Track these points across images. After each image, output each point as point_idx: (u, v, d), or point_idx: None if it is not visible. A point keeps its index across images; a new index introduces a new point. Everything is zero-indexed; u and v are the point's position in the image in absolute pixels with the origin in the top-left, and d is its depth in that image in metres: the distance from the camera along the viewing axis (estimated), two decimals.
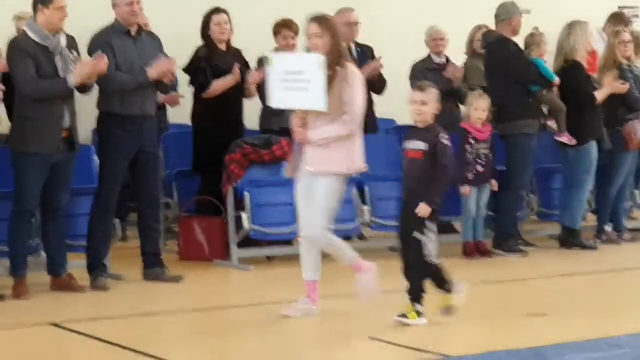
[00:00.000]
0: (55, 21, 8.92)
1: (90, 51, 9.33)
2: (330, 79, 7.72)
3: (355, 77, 7.96)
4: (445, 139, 7.77)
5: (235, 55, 10.86)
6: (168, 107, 11.77)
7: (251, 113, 11.23)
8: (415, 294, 7.76)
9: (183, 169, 11.28)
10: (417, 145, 7.75)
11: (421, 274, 7.80)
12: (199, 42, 10.90)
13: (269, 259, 10.72)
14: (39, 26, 8.92)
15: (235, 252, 10.43)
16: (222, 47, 10.80)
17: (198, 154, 10.95)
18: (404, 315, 7.69)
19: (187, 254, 10.72)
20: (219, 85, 10.64)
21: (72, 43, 9.14)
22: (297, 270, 10.05)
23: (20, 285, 9.06)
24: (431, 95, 7.77)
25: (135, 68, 9.43)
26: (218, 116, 10.71)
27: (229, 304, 8.09)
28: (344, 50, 8.14)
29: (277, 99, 8.11)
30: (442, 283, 7.87)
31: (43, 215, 9.20)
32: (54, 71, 8.87)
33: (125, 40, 9.49)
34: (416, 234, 7.70)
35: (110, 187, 9.49)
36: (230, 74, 10.66)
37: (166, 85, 9.97)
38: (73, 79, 8.77)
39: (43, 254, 9.40)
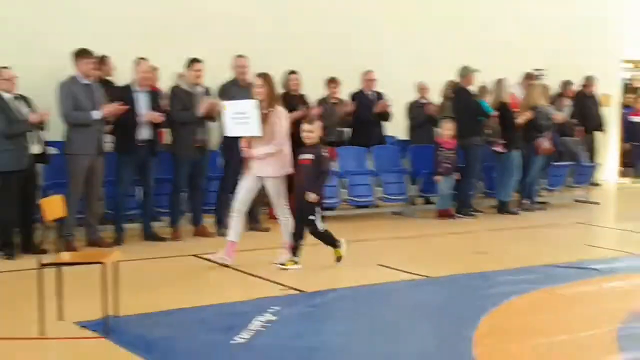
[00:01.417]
0: (192, 78, 8.95)
1: (220, 95, 9.32)
2: (266, 117, 7.41)
3: (282, 115, 7.55)
4: (325, 153, 7.51)
5: (301, 98, 10.75)
6: None
7: None
8: (329, 241, 7.63)
9: None
10: (306, 156, 7.42)
11: (323, 238, 7.62)
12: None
13: (321, 217, 10.65)
14: (188, 80, 8.95)
15: None
16: (294, 93, 10.64)
17: None
18: (339, 259, 7.61)
19: (273, 215, 10.65)
20: (293, 116, 10.50)
21: (207, 91, 9.12)
22: (340, 225, 10.04)
23: (176, 232, 9.09)
24: (315, 126, 7.47)
25: None
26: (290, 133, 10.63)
27: None
28: (278, 96, 7.75)
29: (231, 131, 7.72)
30: (332, 242, 7.64)
31: (190, 191, 9.21)
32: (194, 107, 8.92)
33: (238, 89, 9.34)
34: (310, 217, 7.43)
35: (231, 174, 9.37)
36: (299, 110, 10.56)
37: None
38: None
39: (188, 213, 9.42)
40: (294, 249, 7.50)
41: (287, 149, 7.58)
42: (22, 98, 8.17)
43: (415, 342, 5.26)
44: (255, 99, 7.49)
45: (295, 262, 7.44)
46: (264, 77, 7.56)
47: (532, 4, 14.52)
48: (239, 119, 7.51)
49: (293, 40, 11.89)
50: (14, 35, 10.00)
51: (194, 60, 9.01)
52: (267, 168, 7.48)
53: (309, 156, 7.41)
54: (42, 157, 8.22)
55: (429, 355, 4.93)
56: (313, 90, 10.97)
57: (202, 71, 8.99)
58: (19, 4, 10.30)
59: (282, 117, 7.53)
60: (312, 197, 7.36)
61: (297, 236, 7.51)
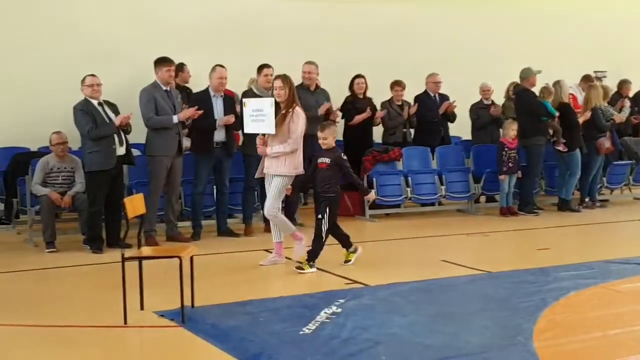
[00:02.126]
0: (263, 83, 9.00)
1: None
2: (284, 116, 7.17)
3: (299, 116, 7.24)
4: (343, 155, 7.33)
5: (368, 101, 10.77)
6: None
7: (377, 132, 11.14)
8: (315, 250, 7.17)
9: None
10: (324, 160, 7.21)
11: (317, 241, 7.16)
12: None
13: (387, 215, 10.68)
14: (259, 85, 9.03)
15: (367, 211, 10.39)
16: (361, 96, 10.71)
17: (346, 155, 10.86)
18: (299, 267, 7.09)
19: (340, 212, 10.59)
20: (358, 118, 10.58)
21: None
22: (406, 222, 10.01)
23: (249, 228, 9.15)
24: (328, 132, 7.21)
25: (314, 112, 9.35)
26: (358, 134, 10.67)
27: (364, 240, 8.05)
28: (296, 98, 7.33)
29: (248, 128, 7.45)
30: (315, 255, 7.14)
31: (261, 190, 9.19)
32: None
33: (307, 94, 9.47)
34: (319, 215, 7.16)
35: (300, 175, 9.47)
36: (365, 112, 10.57)
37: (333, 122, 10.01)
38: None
39: (261, 211, 9.44)
40: (347, 244, 7.35)
41: (300, 150, 7.33)
42: (108, 103, 8.38)
43: (476, 335, 5.19)
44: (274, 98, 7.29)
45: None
46: (284, 78, 7.30)
47: (590, 6, 14.20)
48: (256, 116, 7.29)
49: (359, 45, 11.90)
50: (99, 44, 10.28)
51: (264, 66, 9.09)
52: (280, 167, 7.24)
53: (326, 160, 7.22)
54: (127, 158, 8.41)
55: (489, 347, 4.86)
56: (378, 94, 10.97)
57: (271, 76, 9.06)
58: (103, 15, 10.58)
59: (299, 118, 7.25)
60: (371, 195, 7.83)
61: (341, 236, 7.42)
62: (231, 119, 8.75)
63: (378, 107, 10.89)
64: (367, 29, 12.22)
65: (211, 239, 8.79)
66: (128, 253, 5.52)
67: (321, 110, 9.50)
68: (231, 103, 9.00)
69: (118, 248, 5.46)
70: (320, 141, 7.32)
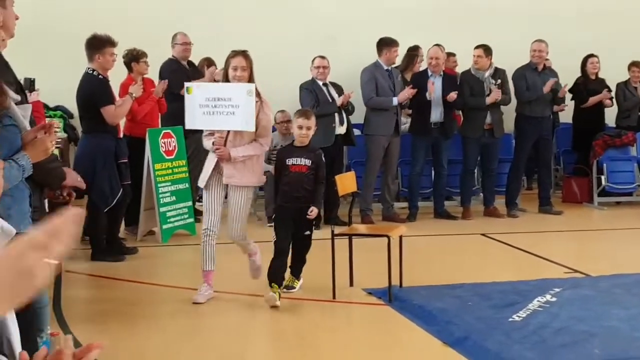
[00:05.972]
0: (473, 63, 8.75)
1: (513, 79, 9.11)
2: None
3: (269, 108, 5.58)
4: (323, 157, 5.72)
5: (601, 82, 10.11)
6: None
7: (610, 114, 10.44)
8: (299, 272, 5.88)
9: (566, 149, 10.73)
10: (302, 161, 5.56)
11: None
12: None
13: (617, 203, 10.01)
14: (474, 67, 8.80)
15: (596, 198, 9.80)
16: (593, 77, 10.10)
17: (576, 139, 10.37)
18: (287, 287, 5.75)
19: (567, 199, 10.20)
20: (593, 99, 9.97)
21: (500, 75, 8.88)
22: (637, 211, 9.33)
23: (466, 211, 8.96)
24: (313, 122, 5.66)
25: (540, 91, 9.05)
26: (588, 117, 10.07)
27: (591, 228, 7.57)
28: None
29: (195, 122, 5.64)
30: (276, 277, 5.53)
31: (481, 173, 9.09)
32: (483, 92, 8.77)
33: (534, 74, 9.13)
34: (307, 232, 5.68)
35: (521, 157, 9.19)
36: (602, 94, 9.95)
37: (561, 99, 9.53)
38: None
39: (481, 194, 9.28)
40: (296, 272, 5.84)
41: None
42: (334, 85, 8.58)
43: None
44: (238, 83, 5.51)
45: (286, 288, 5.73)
46: (246, 56, 5.50)
47: None
48: (217, 107, 5.50)
49: (589, 24, 11.24)
50: (325, 26, 10.53)
51: (476, 47, 8.85)
52: (247, 174, 5.55)
53: (306, 162, 5.58)
54: (348, 138, 8.57)
55: None
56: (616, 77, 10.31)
57: (480, 57, 8.76)
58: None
59: (269, 111, 5.62)
60: (315, 212, 5.55)
61: (299, 261, 5.83)
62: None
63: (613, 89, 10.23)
64: (601, 5, 11.47)
65: (427, 221, 8.73)
66: (338, 230, 5.62)
67: (546, 88, 9.06)
68: (451, 83, 8.86)
69: (334, 225, 5.59)
70: (303, 131, 5.61)
